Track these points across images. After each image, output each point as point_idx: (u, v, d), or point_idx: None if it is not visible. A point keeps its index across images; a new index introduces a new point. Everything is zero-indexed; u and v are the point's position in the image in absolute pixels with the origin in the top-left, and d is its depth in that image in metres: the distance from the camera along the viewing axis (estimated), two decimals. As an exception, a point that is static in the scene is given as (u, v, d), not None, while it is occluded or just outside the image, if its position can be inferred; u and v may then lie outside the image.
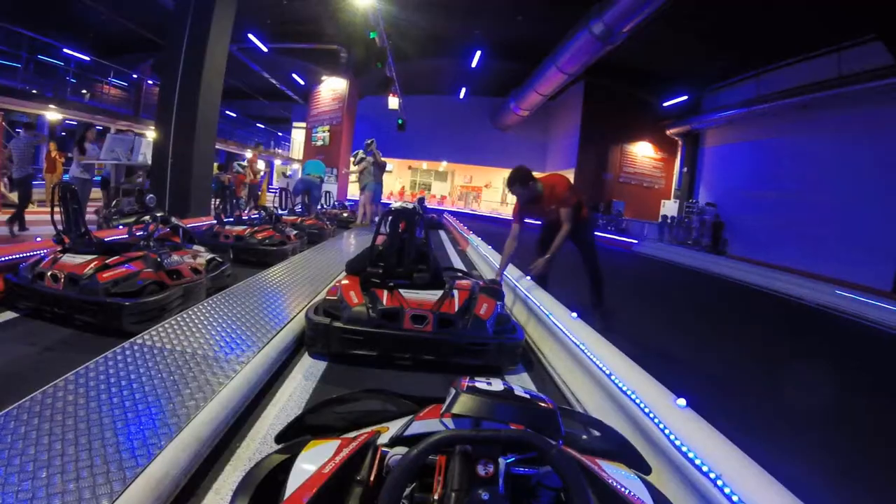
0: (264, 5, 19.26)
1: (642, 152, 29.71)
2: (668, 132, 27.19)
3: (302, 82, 28.81)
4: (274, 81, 30.11)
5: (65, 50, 20.89)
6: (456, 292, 4.95)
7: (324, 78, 25.97)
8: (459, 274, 6.31)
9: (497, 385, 1.55)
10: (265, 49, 22.59)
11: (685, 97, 24.89)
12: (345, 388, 8.54)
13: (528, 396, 1.54)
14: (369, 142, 16.07)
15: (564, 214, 6.22)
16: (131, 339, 3.75)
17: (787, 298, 12.64)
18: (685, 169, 26.90)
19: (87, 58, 21.85)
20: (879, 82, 14.74)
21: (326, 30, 21.45)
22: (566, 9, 18.26)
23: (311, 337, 4.66)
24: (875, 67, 14.76)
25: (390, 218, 5.18)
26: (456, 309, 4.77)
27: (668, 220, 24.92)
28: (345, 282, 5.11)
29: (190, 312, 4.64)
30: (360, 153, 16.25)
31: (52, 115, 19.00)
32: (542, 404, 1.54)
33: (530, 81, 26.08)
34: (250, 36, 21.21)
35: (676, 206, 26.46)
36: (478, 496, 1.12)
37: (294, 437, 1.87)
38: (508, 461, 1.26)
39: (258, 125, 40.38)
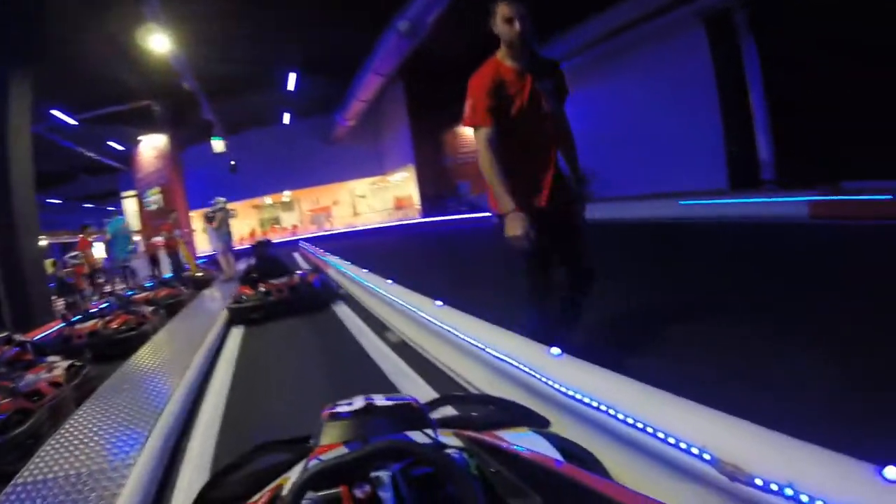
0: (63, 77, 17.87)
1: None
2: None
3: (121, 148, 27.14)
4: (91, 154, 28.08)
5: None
6: (297, 276, 9.69)
7: (141, 138, 24.66)
8: (300, 270, 10.40)
9: (358, 402, 1.54)
10: (74, 122, 21.10)
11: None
12: (255, 338, 8.93)
13: (390, 403, 1.54)
14: (221, 201, 15.67)
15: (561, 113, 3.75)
16: (13, 481, 3.40)
17: (642, 222, 13.48)
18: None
19: None
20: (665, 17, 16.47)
21: (133, 87, 20.36)
22: (368, 14, 18.49)
23: (231, 317, 9.07)
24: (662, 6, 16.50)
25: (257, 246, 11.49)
26: (297, 283, 9.34)
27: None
28: (241, 286, 9.91)
29: (63, 431, 4.26)
30: (211, 210, 15.88)
31: None
32: (407, 406, 1.54)
33: (350, 91, 26.18)
34: (55, 112, 19.73)
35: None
36: None
37: None
38: (397, 469, 1.23)
39: (86, 205, 37.85)
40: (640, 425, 2.16)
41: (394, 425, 1.43)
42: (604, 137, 20.02)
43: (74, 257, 15.29)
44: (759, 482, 1.59)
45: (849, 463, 1.48)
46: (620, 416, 2.27)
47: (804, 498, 1.44)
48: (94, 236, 17.15)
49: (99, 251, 19.17)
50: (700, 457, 1.82)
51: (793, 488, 1.48)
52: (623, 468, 2.23)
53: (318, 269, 11.35)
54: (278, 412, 4.70)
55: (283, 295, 9.02)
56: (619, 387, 2.47)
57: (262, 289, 9.20)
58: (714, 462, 1.75)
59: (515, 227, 3.23)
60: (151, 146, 24.59)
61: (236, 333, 8.42)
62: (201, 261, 19.22)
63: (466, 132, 30.05)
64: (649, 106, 18.80)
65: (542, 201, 3.53)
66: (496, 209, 3.42)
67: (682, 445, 1.91)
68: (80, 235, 16.29)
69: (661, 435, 2.03)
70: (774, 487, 1.53)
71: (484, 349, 3.76)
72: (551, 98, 3.54)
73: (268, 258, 11.65)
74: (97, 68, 18.38)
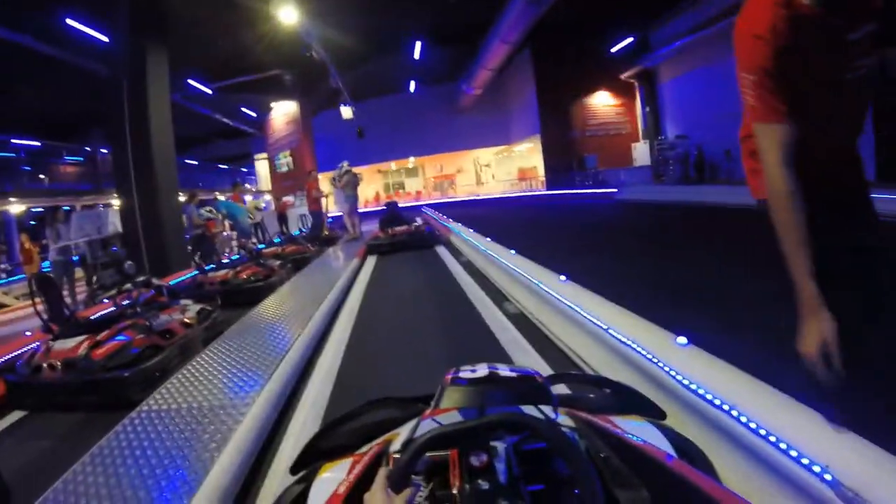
0: (198, 49, 19.09)
1: (602, 102, 29.67)
2: (622, 77, 27.21)
3: (254, 114, 28.69)
4: (226, 120, 29.93)
5: (13, 141, 20.74)
6: (413, 225, 14.16)
7: (273, 105, 25.89)
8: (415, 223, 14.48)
9: (482, 370, 1.56)
10: (209, 91, 22.46)
11: (631, 38, 24.88)
12: (385, 267, 9.58)
13: (513, 375, 1.56)
14: (345, 165, 16.15)
15: None
16: (137, 409, 3.73)
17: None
18: (647, 109, 26.92)
19: (37, 143, 21.71)
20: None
21: (265, 57, 21.28)
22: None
23: (369, 250, 13.10)
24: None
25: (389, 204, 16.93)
26: (413, 230, 13.79)
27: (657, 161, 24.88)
28: (377, 231, 14.56)
29: (190, 367, 4.61)
30: (337, 172, 16.38)
31: (16, 207, 18.86)
32: (530, 379, 1.55)
33: (476, 59, 26.07)
34: (191, 82, 21.09)
35: (647, 146, 26.44)
36: (477, 487, 1.12)
37: (307, 464, 1.84)
38: (513, 442, 1.26)
39: (220, 166, 40.12)
40: (762, 432, 2.06)
41: (513, 397, 1.45)
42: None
43: (209, 211, 16.19)
44: None
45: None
46: (742, 419, 2.18)
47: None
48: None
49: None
50: (820, 476, 1.73)
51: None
52: (736, 474, 2.17)
53: (427, 222, 16.09)
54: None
55: (403, 237, 13.45)
56: (744, 386, 2.37)
57: (390, 232, 13.77)
58: (835, 484, 1.67)
59: (812, 338, 1.70)
60: (282, 112, 25.74)
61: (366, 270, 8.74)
62: (328, 221, 19.96)
63: (592, 102, 29.33)
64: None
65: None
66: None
67: (804, 461, 1.82)
68: (232, 193, 17.24)
69: (783, 446, 1.93)
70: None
71: (606, 329, 3.69)
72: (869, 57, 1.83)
73: (395, 213, 15.54)
74: (230, 40, 19.43)
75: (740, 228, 11.62)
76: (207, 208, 13.90)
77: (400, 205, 17.81)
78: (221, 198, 21.71)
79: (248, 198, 25.25)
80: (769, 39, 1.73)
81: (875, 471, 1.63)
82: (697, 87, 23.00)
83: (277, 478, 3.12)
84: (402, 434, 1.61)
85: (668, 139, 24.32)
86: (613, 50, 25.87)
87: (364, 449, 1.67)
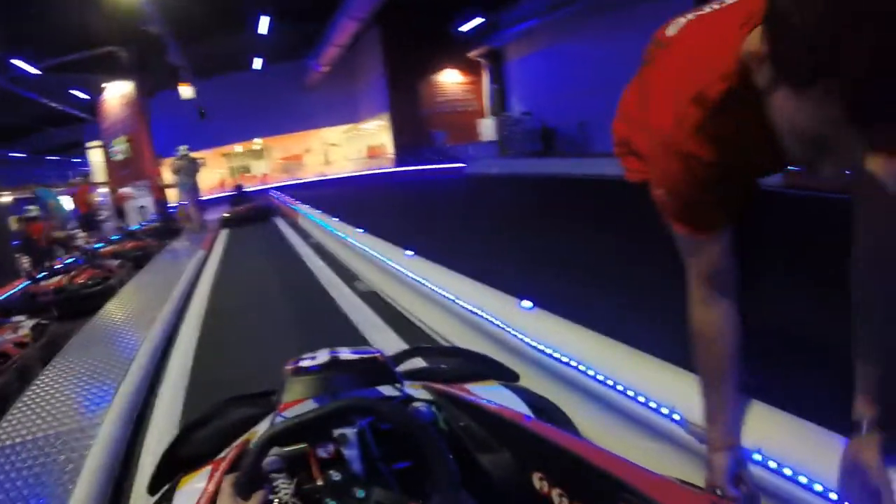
0: (22, 27, 17.15)
1: (451, 80, 30.05)
2: (470, 55, 27.69)
3: (86, 97, 26.18)
4: (55, 105, 27.01)
5: None
6: (254, 203, 17.89)
7: (105, 85, 23.73)
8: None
9: (322, 357, 1.51)
10: (37, 71, 20.26)
11: (481, 19, 25.31)
12: (232, 257, 8.89)
13: (355, 357, 1.52)
14: (183, 150, 15.41)
15: None
16: None
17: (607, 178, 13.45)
18: (495, 86, 27.60)
19: None
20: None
21: (97, 32, 19.44)
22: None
23: (223, 223, 16.17)
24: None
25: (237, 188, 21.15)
26: (254, 206, 17.46)
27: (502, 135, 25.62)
28: (228, 210, 17.24)
29: (30, 392, 4.17)
30: (174, 159, 15.66)
31: None
32: (372, 360, 1.52)
33: (325, 36, 25.52)
34: (15, 62, 18.94)
35: (493, 122, 27.17)
36: (329, 479, 1.08)
37: (165, 480, 1.73)
38: (363, 426, 1.19)
39: (50, 158, 36.76)
40: (610, 382, 2.14)
41: (360, 380, 1.41)
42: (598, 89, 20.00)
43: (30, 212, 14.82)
44: None
45: (816, 431, 1.46)
46: (591, 373, 2.25)
47: (772, 464, 1.43)
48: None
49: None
50: (670, 417, 1.80)
51: (761, 454, 1.46)
52: (592, 424, 2.22)
53: (267, 200, 19.58)
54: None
55: (246, 213, 16.60)
56: (590, 342, 2.45)
57: (237, 210, 16.89)
58: (683, 423, 1.74)
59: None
60: (117, 94, 23.56)
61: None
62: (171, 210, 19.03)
63: (441, 80, 29.77)
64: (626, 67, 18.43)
65: None
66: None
67: (652, 405, 1.89)
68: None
69: (630, 393, 2.01)
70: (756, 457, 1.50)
71: (454, 300, 3.73)
72: None
73: (242, 195, 19.43)
74: (59, 13, 17.54)
75: (577, 195, 12.33)
76: (31, 207, 12.70)
77: (246, 189, 21.62)
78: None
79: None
80: (691, 164, 1.28)
81: None
82: (543, 67, 23.91)
83: (140, 501, 2.88)
84: (259, 432, 1.54)
85: (513, 115, 25.07)
86: (462, 29, 26.23)
87: (224, 453, 1.58)
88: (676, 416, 1.77)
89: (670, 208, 1.37)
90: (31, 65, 19.52)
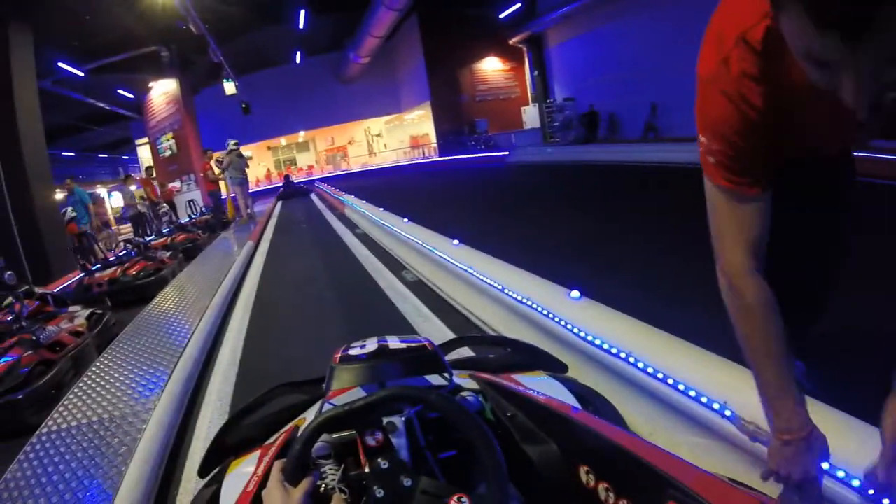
0: (66, 29, 17.50)
1: (492, 67, 29.88)
2: (510, 42, 27.43)
3: (131, 96, 26.70)
4: (102, 104, 27.61)
5: None
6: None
7: (151, 84, 24.12)
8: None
9: (371, 345, 1.51)
10: (81, 74, 20.76)
11: (519, 4, 25.06)
12: (279, 247, 9.45)
13: (404, 345, 1.51)
14: (232, 144, 15.63)
15: None
16: (37, 433, 3.43)
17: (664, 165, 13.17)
18: (536, 73, 27.31)
19: None
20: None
21: (139, 33, 19.79)
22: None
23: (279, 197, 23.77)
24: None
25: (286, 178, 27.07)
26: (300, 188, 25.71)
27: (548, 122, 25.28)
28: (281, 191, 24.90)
29: (85, 379, 4.29)
30: (220, 154, 15.93)
31: None
32: (421, 348, 1.51)
33: (363, 27, 25.60)
34: (61, 65, 19.39)
35: (536, 109, 26.90)
36: (376, 467, 1.09)
37: (215, 464, 1.78)
38: (412, 413, 1.21)
39: (100, 156, 37.63)
40: (660, 375, 2.10)
41: (407, 368, 1.41)
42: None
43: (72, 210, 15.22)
44: None
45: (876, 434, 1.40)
46: (640, 365, 2.22)
47: (824, 465, 1.38)
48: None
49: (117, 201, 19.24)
50: (721, 413, 1.77)
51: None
52: (640, 418, 2.21)
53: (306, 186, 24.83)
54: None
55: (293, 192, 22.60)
56: (640, 334, 2.41)
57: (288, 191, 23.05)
58: (734, 419, 1.70)
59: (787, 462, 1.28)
60: (162, 92, 24.03)
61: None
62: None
63: (482, 68, 29.61)
64: (672, 47, 17.87)
65: None
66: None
67: (703, 399, 1.86)
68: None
69: (681, 387, 1.97)
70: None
71: (502, 290, 3.71)
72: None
73: (290, 184, 25.04)
74: (100, 16, 17.88)
75: (623, 182, 12.11)
76: (68, 209, 13.04)
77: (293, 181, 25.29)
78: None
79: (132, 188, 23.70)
80: (740, 106, 1.24)
81: None
82: (584, 51, 23.52)
83: (191, 483, 2.98)
84: (308, 419, 1.59)
85: (556, 101, 24.78)
86: (501, 16, 26.03)
87: (271, 440, 1.62)
88: (728, 413, 1.74)
89: (716, 156, 1.30)
90: (76, 67, 19.96)
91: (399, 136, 38.84)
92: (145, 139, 27.63)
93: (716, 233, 1.36)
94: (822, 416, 1.46)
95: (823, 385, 1.74)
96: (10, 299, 6.02)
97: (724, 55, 1.21)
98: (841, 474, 1.37)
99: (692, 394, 1.91)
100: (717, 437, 1.83)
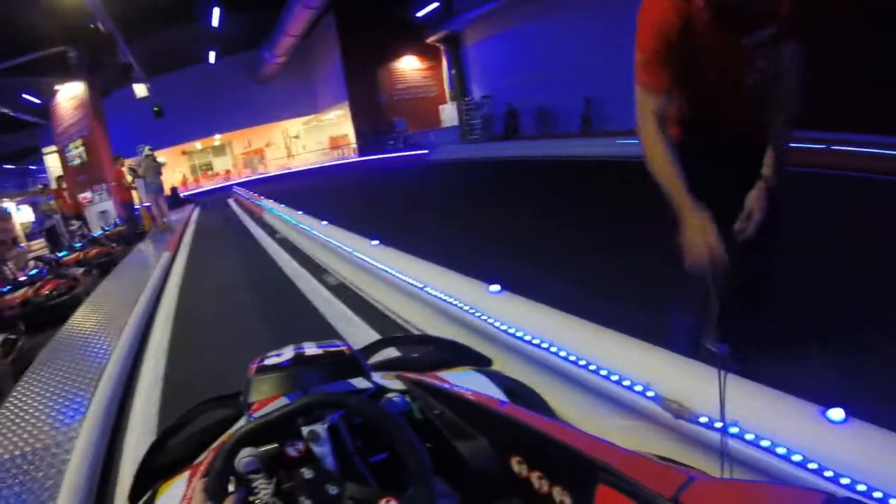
0: None
1: (409, 66, 29.87)
2: (428, 41, 27.52)
3: (37, 101, 25.26)
4: (5, 110, 26.17)
5: None
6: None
7: (58, 87, 22.97)
8: None
9: (287, 353, 1.46)
10: None
11: (436, 3, 25.13)
12: (199, 257, 9.06)
13: (321, 351, 1.47)
14: (146, 149, 15.14)
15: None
16: None
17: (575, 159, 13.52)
18: (453, 71, 27.51)
19: None
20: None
21: (45, 33, 18.81)
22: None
23: None
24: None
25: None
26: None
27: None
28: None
29: (4, 410, 4.05)
30: (133, 161, 15.46)
31: None
32: (338, 353, 1.47)
33: (279, 25, 25.14)
34: None
35: (454, 107, 27.08)
36: (302, 476, 1.07)
37: (144, 489, 1.69)
38: (334, 420, 1.17)
39: (6, 166, 35.57)
40: (582, 363, 2.14)
41: (327, 374, 1.37)
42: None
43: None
44: (703, 420, 1.59)
45: (794, 403, 1.48)
46: (563, 354, 2.25)
47: (749, 436, 1.44)
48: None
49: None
50: (643, 394, 1.82)
51: (738, 426, 1.48)
52: (567, 406, 2.23)
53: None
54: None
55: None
56: (560, 324, 2.46)
57: None
58: (658, 399, 1.75)
59: (696, 239, 1.85)
60: (69, 96, 22.78)
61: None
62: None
63: (400, 67, 29.56)
64: (587, 46, 18.38)
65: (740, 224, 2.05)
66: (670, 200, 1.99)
67: (626, 383, 1.90)
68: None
69: (604, 372, 2.02)
70: (719, 425, 1.51)
71: (422, 288, 3.71)
72: (768, 58, 2.05)
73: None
74: (2, 14, 17.01)
75: (538, 177, 12.37)
76: None
77: (209, 186, 23.19)
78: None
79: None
80: (661, 28, 1.97)
81: (691, 382, 1.73)
82: (500, 50, 23.89)
83: None
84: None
85: (474, 99, 25.02)
86: (418, 14, 26.03)
87: (200, 458, 1.56)
88: (651, 393, 1.78)
89: (644, 53, 2.02)
90: (-24, 70, 18.80)
91: (317, 137, 38.27)
92: (53, 147, 26.18)
93: (638, 116, 2.05)
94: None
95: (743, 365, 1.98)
96: None
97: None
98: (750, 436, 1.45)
99: (615, 378, 1.95)
100: (643, 417, 1.88)
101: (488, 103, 23.77)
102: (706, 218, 1.85)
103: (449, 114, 27.40)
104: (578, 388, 2.21)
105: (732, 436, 1.47)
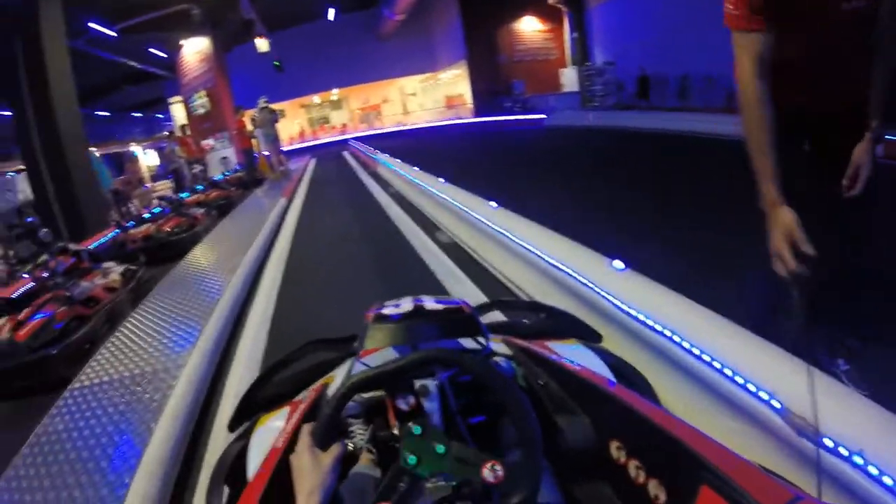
0: None
1: (530, 27, 29.15)
2: (550, 2, 26.79)
3: (164, 55, 26.69)
4: (134, 64, 27.57)
5: None
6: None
7: (182, 42, 24.15)
8: None
9: (406, 304, 1.46)
10: (113, 34, 20.77)
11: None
12: (312, 205, 9.61)
13: (440, 307, 1.46)
14: (262, 101, 15.71)
15: None
16: (70, 387, 3.51)
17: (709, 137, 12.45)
18: (575, 34, 26.67)
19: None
20: None
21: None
22: None
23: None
24: None
25: None
26: None
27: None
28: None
29: (119, 334, 4.38)
30: (253, 111, 16.09)
31: None
32: (457, 311, 1.46)
33: (399, -18, 25.19)
34: (92, 25, 19.42)
35: (575, 72, 26.33)
36: (409, 431, 1.04)
37: (245, 418, 1.78)
38: (446, 377, 1.17)
39: (134, 114, 37.83)
40: (706, 357, 2.02)
41: (443, 331, 1.37)
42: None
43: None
44: (828, 443, 1.46)
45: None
46: (680, 342, 2.15)
47: (873, 470, 1.32)
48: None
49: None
50: (767, 402, 1.70)
51: (863, 457, 1.36)
52: (676, 397, 2.15)
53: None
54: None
55: None
56: (684, 310, 2.33)
57: None
58: (783, 411, 1.63)
59: (777, 231, 1.72)
60: (194, 50, 23.98)
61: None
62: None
63: (519, 28, 28.88)
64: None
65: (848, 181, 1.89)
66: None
67: (751, 387, 1.78)
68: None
69: (728, 372, 1.90)
70: (844, 452, 1.41)
71: (538, 254, 3.65)
72: None
73: None
74: None
75: (652, 150, 11.76)
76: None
77: (326, 139, 23.56)
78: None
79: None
80: None
81: (825, 400, 1.56)
82: (625, 14, 22.74)
83: (219, 441, 3.02)
84: (337, 377, 1.57)
85: (596, 65, 24.19)
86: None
87: (300, 396, 1.59)
88: (777, 404, 1.67)
89: (734, 4, 1.87)
90: (108, 27, 19.92)
91: (434, 95, 38.31)
92: (178, 97, 27.70)
93: (736, 60, 1.92)
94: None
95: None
96: (45, 256, 6.16)
97: None
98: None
99: (739, 380, 1.84)
100: (759, 426, 1.77)
101: (611, 69, 22.82)
102: (789, 215, 1.70)
103: (569, 78, 26.65)
104: (692, 381, 2.12)
105: (855, 466, 1.36)
